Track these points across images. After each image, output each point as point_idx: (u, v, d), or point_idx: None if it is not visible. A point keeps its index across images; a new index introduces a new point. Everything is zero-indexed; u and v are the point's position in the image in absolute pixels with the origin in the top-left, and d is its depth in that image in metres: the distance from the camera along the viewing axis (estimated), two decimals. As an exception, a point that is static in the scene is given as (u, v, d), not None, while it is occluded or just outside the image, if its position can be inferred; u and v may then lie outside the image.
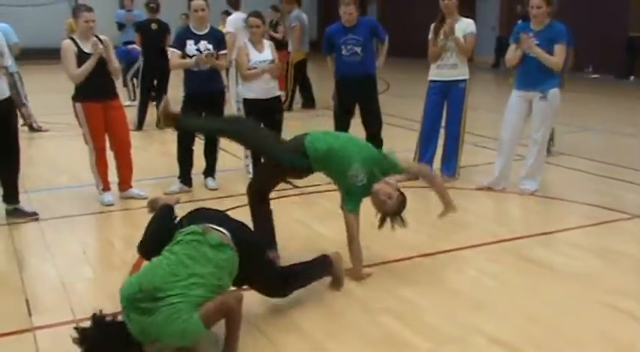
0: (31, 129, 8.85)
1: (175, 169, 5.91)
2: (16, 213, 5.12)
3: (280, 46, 8.98)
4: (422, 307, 3.57)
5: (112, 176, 5.64)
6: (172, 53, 5.77)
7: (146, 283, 2.86)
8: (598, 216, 5.14)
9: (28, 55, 12.99)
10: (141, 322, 2.80)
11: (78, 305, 3.62)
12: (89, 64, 5.17)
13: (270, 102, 5.94)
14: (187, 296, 2.82)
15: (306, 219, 5.08)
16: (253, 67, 5.84)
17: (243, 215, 4.64)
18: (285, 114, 6.50)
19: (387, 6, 22.19)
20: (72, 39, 5.29)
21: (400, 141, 7.81)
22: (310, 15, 12.77)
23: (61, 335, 3.30)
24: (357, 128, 6.53)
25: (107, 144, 5.54)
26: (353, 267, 3.93)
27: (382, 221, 3.91)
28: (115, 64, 5.43)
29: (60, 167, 6.94)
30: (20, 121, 6.36)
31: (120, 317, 2.93)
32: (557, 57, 5.38)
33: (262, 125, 6.04)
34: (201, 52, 5.66)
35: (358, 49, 6.09)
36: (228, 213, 5.10)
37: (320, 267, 3.76)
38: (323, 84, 10.97)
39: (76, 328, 2.83)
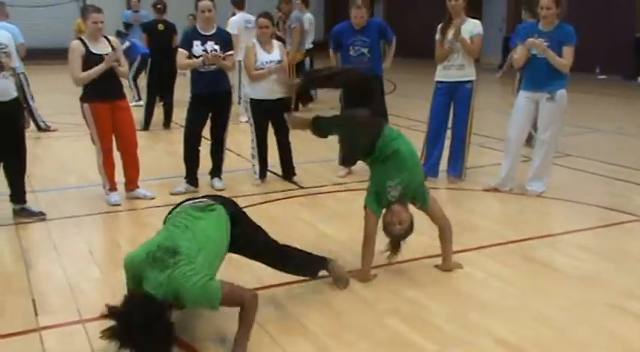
0: (39, 128, 8.89)
1: (182, 169, 5.92)
2: (23, 213, 5.14)
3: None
4: (428, 309, 3.56)
5: (119, 176, 5.65)
6: (179, 53, 5.78)
7: (163, 241, 3.01)
8: (605, 218, 5.11)
9: (36, 55, 13.07)
10: (160, 278, 2.88)
11: (84, 306, 3.62)
12: (95, 71, 5.18)
13: (277, 103, 5.93)
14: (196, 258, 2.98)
15: (312, 220, 5.07)
16: (260, 68, 5.83)
17: (251, 214, 4.64)
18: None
19: (393, 6, 22.17)
20: (81, 40, 5.30)
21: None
22: (317, 15, 12.77)
23: (68, 335, 3.32)
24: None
25: (114, 145, 5.55)
26: (361, 268, 3.92)
27: (390, 245, 3.90)
28: (124, 66, 5.45)
29: (67, 167, 6.96)
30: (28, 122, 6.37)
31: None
32: (566, 59, 5.36)
33: (270, 125, 6.07)
34: (207, 52, 5.66)
35: (365, 51, 6.09)
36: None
37: (313, 264, 3.82)
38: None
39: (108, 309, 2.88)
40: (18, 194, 5.15)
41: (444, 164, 6.28)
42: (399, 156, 3.77)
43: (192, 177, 5.88)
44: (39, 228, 4.97)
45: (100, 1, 8.14)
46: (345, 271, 3.88)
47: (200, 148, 5.92)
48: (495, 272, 4.05)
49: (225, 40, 5.82)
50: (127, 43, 9.96)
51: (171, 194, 5.73)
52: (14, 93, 4.96)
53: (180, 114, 7.74)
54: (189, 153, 5.87)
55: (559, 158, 6.62)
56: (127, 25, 12.48)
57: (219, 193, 5.63)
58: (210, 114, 5.88)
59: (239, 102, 9.41)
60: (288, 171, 6.21)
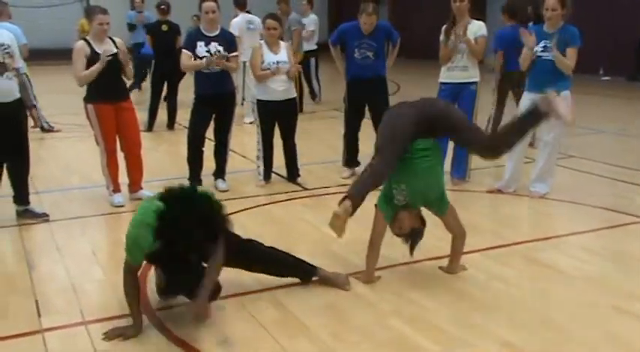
0: (43, 129, 8.90)
1: (185, 170, 5.92)
2: (26, 214, 5.15)
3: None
4: (431, 310, 3.55)
5: (123, 177, 5.66)
6: (183, 55, 5.78)
7: None
8: (609, 219, 5.10)
9: (40, 56, 13.10)
10: None
11: (87, 307, 3.63)
12: (94, 70, 5.18)
13: (284, 105, 5.93)
14: None
15: (316, 221, 5.06)
16: (267, 68, 5.83)
17: (255, 215, 4.66)
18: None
19: (398, 7, 22.15)
20: (86, 40, 5.31)
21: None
22: (321, 16, 12.76)
23: (71, 337, 3.32)
24: (367, 129, 6.52)
25: (118, 146, 5.55)
26: (365, 270, 3.91)
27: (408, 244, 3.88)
28: (130, 66, 5.46)
29: (71, 168, 6.97)
30: (30, 123, 6.39)
31: None
32: (570, 60, 5.35)
33: (277, 127, 6.06)
34: (211, 53, 5.66)
35: (371, 54, 6.08)
36: (239, 214, 5.13)
37: (297, 270, 3.85)
38: (333, 86, 10.97)
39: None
40: (21, 195, 5.16)
41: (447, 165, 6.26)
42: (410, 162, 3.72)
43: (195, 179, 5.87)
44: (42, 229, 4.97)
45: (103, 2, 8.15)
46: (336, 278, 3.87)
47: (204, 149, 5.92)
48: (499, 274, 4.04)
49: (229, 41, 5.82)
50: None
51: (175, 195, 5.72)
52: (17, 94, 4.97)
53: (184, 116, 7.75)
54: (193, 154, 5.88)
55: (562, 159, 6.60)
56: (131, 26, 12.50)
57: (223, 193, 5.65)
58: (213, 116, 5.88)
59: (242, 103, 9.41)
60: (292, 173, 6.21)
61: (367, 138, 6.50)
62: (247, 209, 5.39)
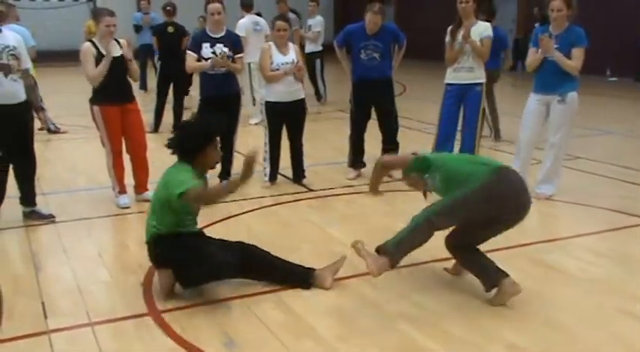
0: (49, 131, 8.93)
1: (191, 172, 5.92)
2: (32, 216, 5.16)
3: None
4: (437, 312, 3.54)
5: (129, 178, 5.67)
6: (188, 56, 5.79)
7: None
8: (616, 221, 5.08)
9: (47, 57, 13.15)
10: None
11: (93, 308, 3.64)
12: (103, 66, 5.20)
13: (292, 106, 5.92)
14: None
15: (321, 222, 5.06)
16: (276, 69, 5.83)
17: (260, 216, 4.66)
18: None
19: (404, 8, 22.15)
20: (92, 42, 5.32)
21: (416, 144, 7.78)
22: (326, 18, 12.77)
23: (76, 338, 3.33)
24: (373, 131, 6.52)
25: (124, 147, 5.57)
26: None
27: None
28: (135, 67, 5.47)
29: (77, 169, 6.99)
30: (38, 125, 6.41)
31: None
32: (576, 60, 5.33)
33: (284, 127, 6.05)
34: (217, 55, 5.67)
35: (377, 55, 6.07)
36: (244, 216, 5.13)
37: (291, 275, 3.87)
38: (339, 86, 10.97)
39: None
40: (28, 196, 5.18)
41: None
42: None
43: (200, 180, 5.87)
44: (48, 231, 4.99)
45: (110, 3, 8.18)
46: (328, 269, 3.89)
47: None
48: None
49: (234, 43, 5.83)
50: None
51: (180, 196, 5.73)
52: (23, 96, 4.99)
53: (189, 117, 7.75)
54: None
55: (569, 160, 6.58)
56: (137, 28, 12.54)
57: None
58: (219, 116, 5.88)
59: (253, 104, 9.41)
60: (298, 174, 6.21)
61: (373, 139, 6.52)
62: (252, 210, 5.40)
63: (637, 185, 6.11)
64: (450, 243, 3.80)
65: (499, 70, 7.99)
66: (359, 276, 3.98)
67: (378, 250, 3.50)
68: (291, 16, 10.36)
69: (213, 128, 3.82)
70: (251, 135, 8.31)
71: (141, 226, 5.28)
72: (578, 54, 5.33)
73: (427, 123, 8.79)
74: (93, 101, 5.39)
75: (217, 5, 5.72)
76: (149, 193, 5.68)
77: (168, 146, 3.84)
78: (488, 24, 5.96)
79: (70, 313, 3.60)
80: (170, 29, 9.17)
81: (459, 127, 6.24)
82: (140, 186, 5.67)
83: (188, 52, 5.85)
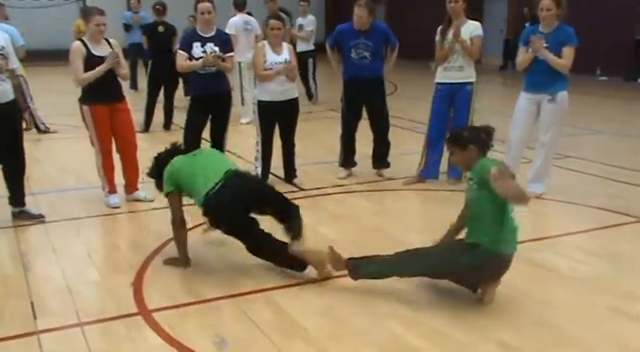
0: (39, 130, 8.88)
1: (181, 171, 5.90)
2: (22, 216, 5.13)
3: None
4: (428, 312, 3.54)
5: (119, 178, 5.64)
6: (179, 55, 5.78)
7: None
8: (605, 220, 5.10)
9: (36, 57, 13.07)
10: None
11: (83, 308, 3.62)
12: (98, 71, 5.17)
13: (285, 105, 5.90)
14: None
15: (312, 222, 5.04)
16: (269, 68, 5.81)
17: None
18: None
19: (395, 7, 22.18)
20: (82, 41, 5.29)
21: (407, 143, 7.80)
22: (318, 17, 12.76)
23: (66, 339, 3.31)
24: (364, 130, 6.52)
25: (114, 147, 5.54)
26: None
27: None
28: (124, 68, 5.44)
29: (66, 169, 6.95)
30: (24, 125, 6.37)
31: None
32: (566, 59, 5.35)
33: (277, 127, 6.04)
34: (207, 54, 5.65)
35: (367, 54, 6.06)
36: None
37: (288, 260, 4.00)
38: (331, 86, 10.97)
39: None
40: (17, 196, 5.14)
41: (443, 166, 6.27)
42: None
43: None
44: (38, 231, 4.96)
45: (99, 2, 8.13)
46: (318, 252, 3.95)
47: (200, 150, 5.90)
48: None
49: (224, 42, 5.81)
50: None
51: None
52: (11, 96, 4.96)
53: (180, 116, 7.74)
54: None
55: (559, 159, 6.61)
56: (127, 27, 12.49)
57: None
58: (210, 116, 5.88)
59: (242, 103, 9.40)
60: (289, 174, 6.20)
61: (364, 139, 6.52)
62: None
63: (626, 183, 6.14)
64: None
65: None
66: (349, 276, 3.98)
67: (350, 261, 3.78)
68: (282, 15, 10.35)
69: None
70: (242, 135, 8.30)
71: (131, 226, 5.30)
72: (568, 53, 5.35)
73: (418, 123, 8.79)
74: (82, 100, 5.36)
75: (207, 4, 5.71)
76: (139, 193, 5.67)
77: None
78: (478, 23, 5.97)
79: (59, 313, 3.58)
80: (160, 28, 9.15)
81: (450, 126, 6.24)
82: (130, 186, 5.65)
83: (179, 51, 5.84)
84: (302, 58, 10.67)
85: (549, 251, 4.48)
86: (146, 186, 5.80)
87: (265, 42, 5.94)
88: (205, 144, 6.03)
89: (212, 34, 5.77)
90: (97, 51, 5.22)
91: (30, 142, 7.17)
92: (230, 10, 9.60)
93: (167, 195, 4.16)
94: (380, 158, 6.47)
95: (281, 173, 6.30)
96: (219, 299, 3.70)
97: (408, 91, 12.65)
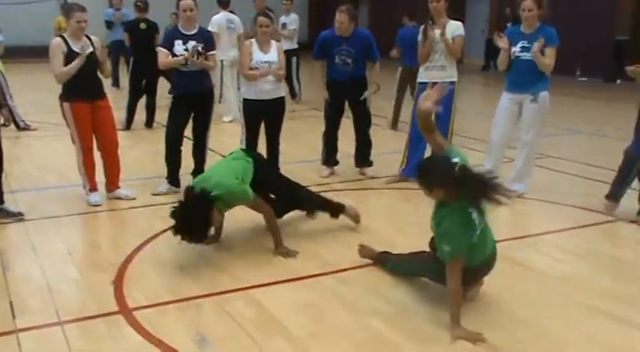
0: (18, 127, 8.78)
1: (163, 169, 5.88)
2: (0, 213, 5.07)
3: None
4: (410, 309, 3.57)
5: (100, 176, 5.60)
6: (160, 53, 5.74)
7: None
8: (583, 219, 5.17)
9: (16, 53, 12.92)
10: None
11: (63, 307, 3.59)
12: (73, 66, 5.12)
13: (271, 104, 5.88)
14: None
15: (294, 220, 5.05)
16: (255, 68, 5.79)
17: (232, 214, 4.64)
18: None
19: (377, 7, 22.24)
20: (62, 37, 5.24)
21: (389, 143, 7.83)
22: (301, 16, 12.75)
23: (46, 337, 3.29)
24: (347, 130, 6.54)
25: (95, 144, 5.50)
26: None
27: None
28: (107, 64, 5.40)
29: (46, 167, 6.88)
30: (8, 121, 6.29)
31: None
32: (549, 59, 5.41)
33: (263, 125, 6.02)
34: (189, 51, 5.62)
35: (349, 60, 6.08)
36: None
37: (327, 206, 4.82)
38: (313, 85, 10.96)
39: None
40: (-4, 194, 5.09)
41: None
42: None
43: (174, 178, 5.84)
44: (17, 229, 4.91)
45: (80, -1, 8.06)
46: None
47: (182, 148, 5.88)
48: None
49: (207, 40, 5.78)
50: None
51: (153, 194, 5.70)
52: (-11, 92, 4.90)
53: (162, 114, 7.70)
54: (171, 153, 5.82)
55: (540, 159, 6.67)
56: (109, 24, 12.39)
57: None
58: (192, 114, 5.85)
59: (220, 101, 9.37)
60: None
61: (347, 138, 6.54)
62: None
63: (605, 183, 6.20)
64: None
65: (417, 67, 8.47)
66: (330, 274, 4.00)
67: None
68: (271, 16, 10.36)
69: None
70: (225, 134, 8.28)
71: (112, 224, 5.26)
72: (551, 53, 5.41)
73: (401, 122, 8.84)
74: (63, 97, 5.31)
75: (189, 2, 5.67)
76: (121, 190, 5.63)
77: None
78: (459, 23, 6.01)
79: (38, 312, 3.54)
80: (142, 25, 9.08)
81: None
82: (112, 184, 5.61)
83: (160, 49, 5.80)
84: (285, 56, 10.65)
85: (529, 249, 4.53)
86: (127, 184, 5.78)
87: (253, 40, 5.92)
88: (188, 143, 6.01)
89: (194, 31, 5.74)
90: (78, 48, 5.18)
91: (9, 140, 7.09)
92: (214, 8, 9.56)
93: (255, 199, 4.26)
94: (362, 157, 6.49)
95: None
96: (201, 298, 3.70)
97: (390, 91, 12.67)
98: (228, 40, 9.24)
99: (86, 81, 5.23)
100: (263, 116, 5.95)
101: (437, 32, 5.88)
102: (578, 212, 5.35)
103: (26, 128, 8.84)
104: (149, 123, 9.11)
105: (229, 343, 3.22)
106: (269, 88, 5.82)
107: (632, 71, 4.91)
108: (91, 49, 5.18)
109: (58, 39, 5.25)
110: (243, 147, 6.00)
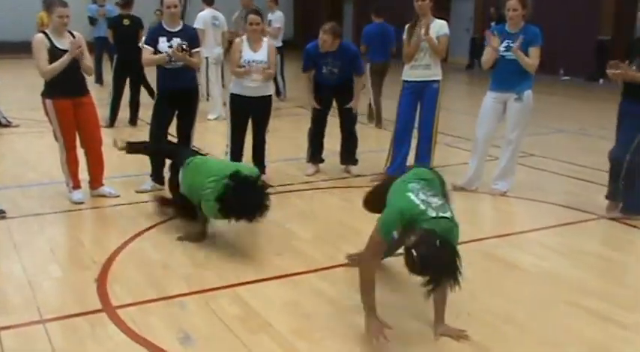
0: (0, 124, 8.69)
1: (147, 167, 5.85)
2: (-18, 211, 5.02)
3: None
4: (394, 306, 3.57)
5: (83, 173, 5.56)
6: (144, 50, 5.71)
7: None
8: (566, 217, 5.21)
9: (-3, 50, 12.83)
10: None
11: (45, 305, 3.56)
12: (61, 63, 5.07)
13: (258, 101, 5.89)
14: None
15: (279, 218, 5.05)
16: (243, 66, 5.78)
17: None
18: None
19: (363, 7, 22.24)
20: (44, 33, 5.19)
21: (374, 140, 7.85)
22: (286, 13, 12.74)
23: (28, 336, 3.26)
24: (332, 128, 6.55)
25: (78, 142, 5.45)
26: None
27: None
28: (88, 61, 5.35)
29: (29, 164, 6.81)
30: None
31: None
32: (533, 59, 5.44)
33: (250, 122, 6.02)
34: (174, 48, 5.60)
35: (336, 70, 6.13)
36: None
37: None
38: (298, 83, 10.95)
39: None
40: (-23, 191, 5.03)
41: (410, 163, 6.32)
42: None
43: (158, 175, 5.80)
44: (-1, 226, 4.86)
45: (64, -5, 7.98)
46: None
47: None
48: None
49: (191, 37, 5.75)
50: None
51: (137, 192, 5.66)
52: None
53: (146, 112, 7.65)
54: (155, 150, 5.79)
55: (523, 158, 6.72)
56: (92, 20, 12.29)
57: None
58: (176, 112, 5.82)
59: (207, 99, 9.35)
60: (259, 168, 6.18)
61: (332, 136, 6.54)
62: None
63: (587, 182, 6.28)
64: None
65: (388, 63, 8.98)
66: (315, 271, 4.00)
67: None
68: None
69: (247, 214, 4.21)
70: (209, 131, 8.26)
71: (95, 222, 5.23)
72: (534, 53, 5.44)
73: (385, 120, 8.86)
74: (45, 94, 5.26)
75: (174, -2, 5.64)
76: (104, 188, 5.59)
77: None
78: (444, 22, 6.03)
79: (20, 310, 3.51)
80: (125, 22, 9.01)
81: (416, 124, 6.30)
82: (95, 181, 5.57)
83: (144, 46, 5.76)
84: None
85: (513, 247, 4.56)
86: (111, 182, 5.74)
87: (244, 38, 5.91)
88: (172, 140, 5.98)
89: (179, 28, 5.70)
90: (60, 44, 5.13)
91: (-9, 136, 7.02)
92: (199, 5, 9.53)
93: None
94: (348, 153, 6.50)
95: (248, 169, 6.28)
96: (184, 295, 3.68)
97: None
98: (213, 37, 9.21)
99: (69, 77, 5.18)
100: (249, 112, 5.94)
101: (416, 32, 5.89)
102: (561, 210, 5.40)
103: (8, 125, 8.74)
104: (133, 120, 9.04)
105: (213, 341, 3.21)
106: (255, 86, 5.82)
107: (612, 75, 4.95)
108: (79, 44, 5.12)
109: (41, 35, 5.19)
110: (228, 150, 6.01)
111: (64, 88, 5.18)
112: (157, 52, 5.61)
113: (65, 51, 5.10)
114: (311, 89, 6.31)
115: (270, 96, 6.03)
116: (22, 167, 6.68)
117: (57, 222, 5.09)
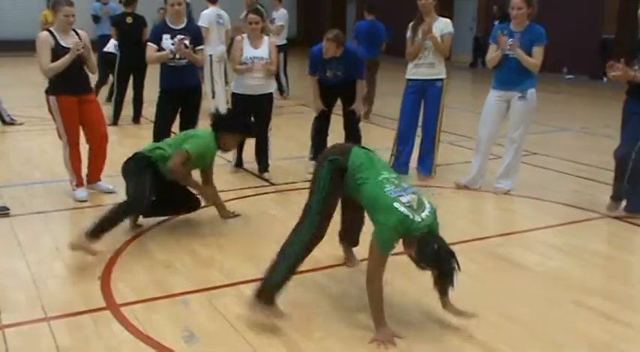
0: (4, 122, 8.71)
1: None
2: (-14, 209, 5.03)
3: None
4: (397, 305, 3.57)
5: (86, 171, 5.56)
6: (148, 48, 5.71)
7: None
8: (571, 215, 5.20)
9: (1, 47, 12.83)
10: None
11: (49, 303, 3.56)
12: (64, 61, 5.08)
13: (259, 98, 5.91)
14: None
15: (282, 216, 5.05)
16: (244, 63, 5.80)
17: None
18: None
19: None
20: (50, 31, 5.19)
21: (378, 139, 7.83)
22: (290, 11, 12.73)
23: (32, 334, 3.26)
24: (335, 126, 6.54)
25: (82, 139, 5.46)
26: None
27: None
28: (92, 59, 5.35)
29: (33, 162, 6.82)
30: None
31: None
32: (536, 58, 5.43)
33: (252, 119, 6.03)
34: (178, 43, 5.61)
35: (340, 73, 6.13)
36: (207, 209, 5.09)
37: None
38: (301, 81, 10.96)
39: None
40: (-19, 189, 5.04)
41: (414, 161, 6.33)
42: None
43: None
44: (3, 224, 4.86)
45: (67, -7, 7.98)
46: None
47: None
48: (463, 270, 4.00)
49: (195, 34, 5.77)
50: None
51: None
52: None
53: (149, 109, 7.66)
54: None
55: (527, 156, 6.71)
56: (96, 18, 12.29)
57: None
58: (179, 109, 5.83)
59: (213, 97, 9.34)
60: (263, 164, 6.20)
61: (335, 134, 6.53)
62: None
63: (591, 180, 6.27)
64: None
65: (377, 59, 9.36)
66: (319, 270, 4.00)
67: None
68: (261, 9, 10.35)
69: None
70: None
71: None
72: (538, 52, 5.43)
73: (389, 118, 8.84)
74: (49, 92, 5.27)
75: (177, -4, 5.64)
76: (101, 183, 5.60)
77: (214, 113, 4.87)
78: (448, 20, 6.03)
79: (25, 308, 3.52)
80: (129, 19, 9.01)
81: (420, 122, 6.30)
82: (93, 176, 5.56)
83: (148, 43, 5.77)
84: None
85: (516, 246, 4.55)
86: (115, 180, 5.73)
87: (245, 36, 5.95)
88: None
89: (182, 26, 5.71)
90: (65, 42, 5.14)
91: (-6, 134, 7.03)
92: (202, 3, 9.52)
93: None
94: (351, 151, 6.49)
95: (253, 168, 6.28)
96: (189, 293, 3.68)
97: (378, 87, 12.70)
98: (218, 35, 9.21)
99: (73, 75, 5.19)
100: (252, 111, 5.95)
101: (419, 32, 5.88)
102: (564, 209, 5.39)
103: (12, 123, 8.76)
104: (136, 118, 9.05)
105: (217, 339, 3.21)
106: (256, 84, 5.86)
107: (612, 77, 4.93)
108: (81, 44, 5.12)
109: (46, 33, 5.20)
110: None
111: (68, 85, 5.19)
112: (160, 49, 5.61)
113: (69, 49, 5.11)
114: (317, 93, 6.31)
115: (271, 93, 6.07)
116: (26, 165, 6.69)
117: (61, 220, 5.10)
